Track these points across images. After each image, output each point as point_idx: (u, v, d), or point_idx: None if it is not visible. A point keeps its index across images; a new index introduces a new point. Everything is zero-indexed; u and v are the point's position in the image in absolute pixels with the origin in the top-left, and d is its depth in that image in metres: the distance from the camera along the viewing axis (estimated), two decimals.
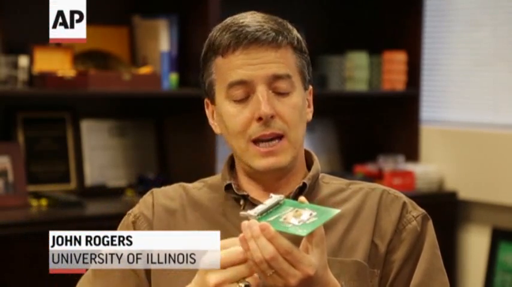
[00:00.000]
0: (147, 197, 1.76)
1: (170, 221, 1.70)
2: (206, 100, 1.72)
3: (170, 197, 1.74)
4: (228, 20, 1.68)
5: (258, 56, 1.62)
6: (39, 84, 3.49)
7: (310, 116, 1.72)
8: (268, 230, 1.41)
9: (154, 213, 1.72)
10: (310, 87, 1.73)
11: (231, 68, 1.64)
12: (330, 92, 4.16)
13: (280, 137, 1.63)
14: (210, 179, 1.78)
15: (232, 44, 1.63)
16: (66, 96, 3.69)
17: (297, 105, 1.64)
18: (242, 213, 1.47)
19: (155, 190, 1.77)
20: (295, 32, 1.69)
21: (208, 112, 1.72)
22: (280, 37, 1.63)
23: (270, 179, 1.67)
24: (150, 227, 1.71)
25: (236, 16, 1.68)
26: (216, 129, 1.70)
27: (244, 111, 1.63)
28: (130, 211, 1.75)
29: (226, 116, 1.65)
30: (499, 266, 3.96)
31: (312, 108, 1.73)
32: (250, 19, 1.65)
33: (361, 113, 4.43)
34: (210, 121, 1.72)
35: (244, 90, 1.63)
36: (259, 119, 1.62)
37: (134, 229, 1.71)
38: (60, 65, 3.55)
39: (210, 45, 1.67)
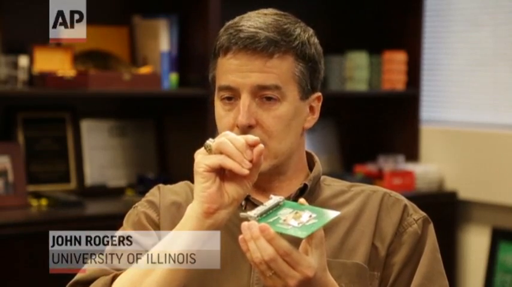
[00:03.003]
0: (154, 190, 1.77)
1: (176, 213, 1.69)
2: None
3: (176, 192, 1.75)
4: (236, 18, 1.67)
5: (248, 63, 1.61)
6: (39, 84, 3.49)
7: (310, 124, 1.71)
8: (268, 232, 1.41)
9: (161, 202, 1.72)
10: (318, 94, 1.71)
11: (223, 71, 1.64)
12: (330, 92, 4.15)
13: None
14: None
15: (225, 47, 1.63)
16: (66, 96, 3.68)
17: (284, 116, 1.63)
18: (242, 214, 1.46)
19: (161, 185, 1.77)
20: (302, 38, 1.67)
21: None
22: (273, 47, 1.61)
23: (259, 181, 1.63)
24: (157, 214, 1.71)
25: (244, 15, 1.67)
26: None
27: (229, 114, 1.64)
28: (136, 205, 1.75)
29: (216, 115, 1.67)
30: (499, 266, 3.95)
31: (316, 116, 1.72)
32: (252, 22, 1.63)
33: (361, 113, 4.43)
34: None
35: (232, 95, 1.64)
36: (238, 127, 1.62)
37: (146, 214, 1.70)
38: (60, 65, 3.55)
39: (215, 42, 1.68)
